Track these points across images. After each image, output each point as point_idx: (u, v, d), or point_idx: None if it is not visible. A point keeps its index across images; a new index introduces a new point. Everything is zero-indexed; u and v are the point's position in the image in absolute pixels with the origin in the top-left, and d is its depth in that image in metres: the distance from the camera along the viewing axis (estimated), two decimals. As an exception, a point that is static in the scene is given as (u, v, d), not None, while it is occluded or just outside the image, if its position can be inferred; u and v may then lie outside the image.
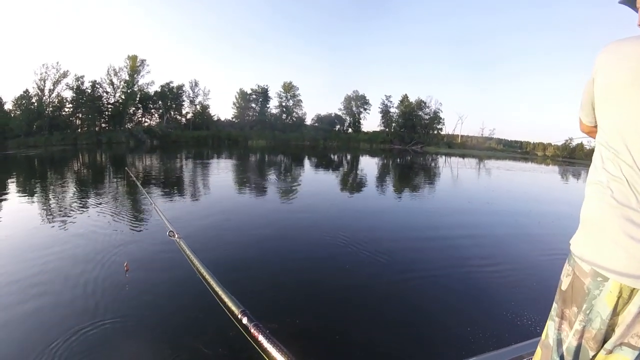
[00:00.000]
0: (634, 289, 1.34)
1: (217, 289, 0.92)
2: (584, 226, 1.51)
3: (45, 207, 10.93)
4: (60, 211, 10.23)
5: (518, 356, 2.40)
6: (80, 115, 49.75)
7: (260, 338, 0.59)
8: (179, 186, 15.44)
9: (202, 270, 1.14)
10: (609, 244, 1.38)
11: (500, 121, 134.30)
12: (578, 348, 1.54)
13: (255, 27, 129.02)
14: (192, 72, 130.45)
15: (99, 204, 11.18)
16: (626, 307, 1.38)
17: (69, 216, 9.53)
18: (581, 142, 69.79)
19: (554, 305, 1.67)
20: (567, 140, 71.77)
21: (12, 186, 14.38)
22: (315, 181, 20.70)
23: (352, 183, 20.22)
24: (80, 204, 11.32)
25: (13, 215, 9.78)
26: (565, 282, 1.59)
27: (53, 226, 8.62)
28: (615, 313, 1.41)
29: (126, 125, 53.16)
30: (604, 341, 1.47)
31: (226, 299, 0.84)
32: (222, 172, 21.96)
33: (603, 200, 1.40)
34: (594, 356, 1.51)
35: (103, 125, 52.15)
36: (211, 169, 23.36)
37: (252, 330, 0.62)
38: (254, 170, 24.52)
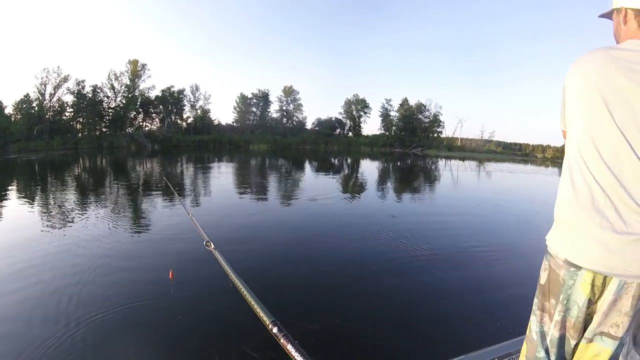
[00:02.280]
0: (606, 277, 1.43)
1: (250, 299, 0.95)
2: (558, 222, 1.61)
3: (76, 214, 11.10)
4: (97, 219, 10.44)
5: (506, 353, 2.50)
6: (81, 120, 49.83)
7: (289, 347, 0.60)
8: (187, 189, 15.68)
9: (236, 280, 1.16)
10: (580, 236, 1.46)
11: (500, 124, 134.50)
12: (561, 339, 1.62)
13: (255, 30, 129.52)
14: (193, 77, 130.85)
15: (137, 212, 11.49)
16: (602, 295, 1.46)
17: (118, 226, 9.59)
18: None
19: (535, 300, 1.75)
20: None
21: (37, 193, 14.58)
22: (322, 186, 20.79)
23: (359, 186, 20.44)
24: (115, 212, 11.53)
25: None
26: (543, 277, 1.68)
27: (99, 234, 8.61)
28: (591, 301, 1.49)
29: (127, 130, 53.21)
30: (585, 330, 1.55)
31: (258, 310, 0.86)
32: (227, 176, 22.09)
33: (574, 197, 1.49)
34: (576, 345, 1.60)
35: (104, 129, 52.13)
36: (214, 172, 23.57)
37: (282, 340, 0.65)
38: (259, 174, 24.65)
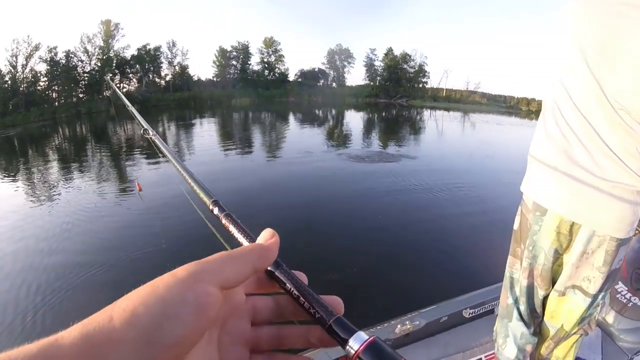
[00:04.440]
0: (573, 224, 1.35)
1: (190, 181, 0.84)
2: (530, 165, 1.54)
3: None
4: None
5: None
6: (56, 88, 47.97)
7: (231, 228, 0.56)
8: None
9: (176, 164, 0.99)
10: (548, 178, 1.40)
11: (485, 75, 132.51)
12: (529, 288, 1.59)
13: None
14: (169, 32, 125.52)
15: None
16: (570, 245, 1.39)
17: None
18: None
19: (510, 244, 1.70)
20: None
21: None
22: (309, 140, 20.81)
23: (342, 137, 20.38)
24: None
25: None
26: (516, 221, 1.64)
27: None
28: (558, 252, 1.44)
29: (104, 93, 51.59)
30: (554, 282, 1.52)
31: (199, 191, 0.78)
32: (210, 134, 21.78)
33: (546, 139, 1.43)
34: (546, 297, 1.58)
35: (81, 95, 50.04)
36: (196, 131, 23.15)
37: (223, 221, 0.59)
38: (243, 131, 24.40)
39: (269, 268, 0.40)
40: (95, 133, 25.06)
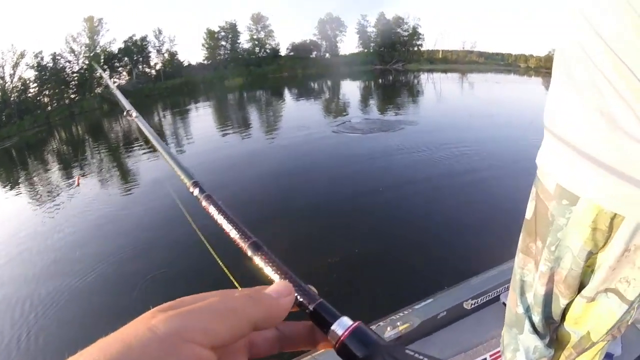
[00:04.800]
0: (615, 216, 0.95)
1: (171, 162, 0.89)
2: (549, 135, 1.12)
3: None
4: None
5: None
6: (47, 93, 47.85)
7: (211, 210, 0.55)
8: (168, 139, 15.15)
9: (157, 145, 1.13)
10: (582, 151, 0.97)
11: (481, 34, 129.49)
12: (548, 296, 1.21)
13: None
14: (153, 21, 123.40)
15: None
16: (608, 242, 1.00)
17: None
18: None
19: (520, 237, 1.32)
20: (550, 52, 70.07)
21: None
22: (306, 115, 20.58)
23: (339, 109, 20.34)
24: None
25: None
26: (529, 209, 1.24)
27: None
28: (592, 252, 1.04)
29: (96, 91, 51.34)
30: (581, 286, 1.14)
31: (179, 172, 0.81)
32: (206, 118, 22.25)
33: (571, 102, 0.99)
34: (568, 305, 1.19)
35: (72, 96, 50.27)
36: (192, 116, 23.05)
37: (203, 203, 0.59)
38: (239, 111, 24.47)
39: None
40: (91, 132, 24.97)
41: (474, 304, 2.28)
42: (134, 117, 1.72)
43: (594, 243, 1.01)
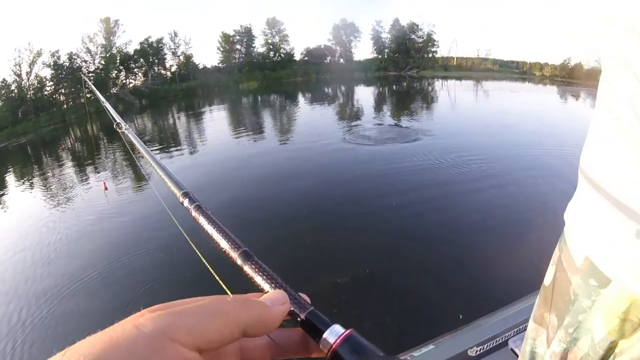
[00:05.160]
0: None
1: (162, 174, 0.90)
2: (586, 190, 0.88)
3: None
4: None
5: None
6: (63, 91, 48.42)
7: (201, 220, 0.54)
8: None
9: (148, 157, 1.14)
10: (625, 220, 0.76)
11: (496, 41, 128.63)
12: None
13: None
14: (169, 23, 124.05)
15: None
16: (636, 331, 0.82)
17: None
18: (580, 62, 68.23)
19: (536, 301, 1.17)
20: (565, 60, 69.84)
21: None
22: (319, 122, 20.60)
23: (353, 115, 20.34)
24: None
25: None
26: (549, 274, 1.06)
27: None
28: (616, 340, 0.87)
29: (112, 91, 51.69)
30: None
31: (170, 184, 0.82)
32: (221, 122, 22.57)
33: (630, 144, 0.75)
34: None
35: (88, 95, 50.63)
36: (206, 120, 23.05)
37: (193, 213, 0.59)
38: (253, 116, 24.61)
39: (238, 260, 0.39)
40: (106, 131, 25.23)
41: (480, 351, 2.10)
42: (124, 129, 1.84)
43: (620, 334, 0.85)
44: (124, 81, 56.10)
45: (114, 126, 1.63)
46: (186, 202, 0.63)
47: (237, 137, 14.34)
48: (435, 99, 27.77)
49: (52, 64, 46.70)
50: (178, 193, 0.70)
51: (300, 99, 31.77)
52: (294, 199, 7.40)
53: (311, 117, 19.54)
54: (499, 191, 7.70)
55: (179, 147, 13.18)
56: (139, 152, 1.31)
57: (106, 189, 8.71)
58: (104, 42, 51.27)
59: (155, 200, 6.89)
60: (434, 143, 11.54)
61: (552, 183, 7.92)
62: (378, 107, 22.82)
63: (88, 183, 10.38)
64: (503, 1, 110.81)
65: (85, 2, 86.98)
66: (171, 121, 24.07)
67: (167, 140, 14.58)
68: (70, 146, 16.56)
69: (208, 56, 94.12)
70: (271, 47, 66.34)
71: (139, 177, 9.68)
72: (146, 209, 7.40)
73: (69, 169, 12.18)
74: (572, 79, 66.15)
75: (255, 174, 9.10)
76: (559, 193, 7.15)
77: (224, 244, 0.46)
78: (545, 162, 9.77)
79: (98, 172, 11.18)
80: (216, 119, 21.97)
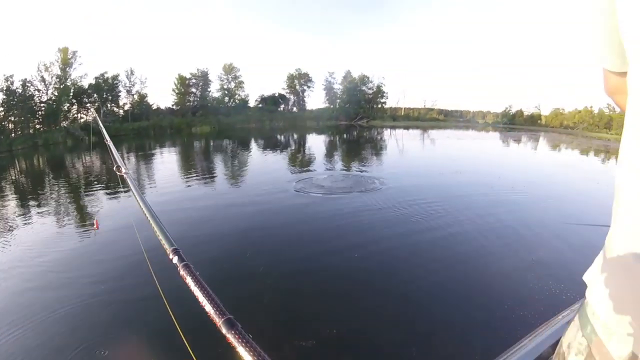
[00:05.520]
0: None
1: (155, 227, 0.91)
2: (624, 255, 0.69)
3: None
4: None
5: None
6: (12, 119, 46.73)
7: (188, 280, 0.55)
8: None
9: (143, 208, 1.14)
10: None
11: (441, 92, 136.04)
12: None
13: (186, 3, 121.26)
14: (126, 60, 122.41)
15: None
16: None
17: None
18: (520, 109, 76.65)
19: None
20: (506, 108, 78.22)
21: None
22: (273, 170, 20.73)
23: (305, 163, 20.48)
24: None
25: None
26: (563, 346, 0.84)
27: None
28: None
29: (62, 124, 50.26)
30: None
31: (161, 237, 0.83)
32: (172, 165, 21.76)
33: None
34: None
35: (37, 126, 48.67)
36: (157, 161, 22.83)
37: (181, 272, 0.59)
38: (204, 160, 24.32)
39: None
40: (54, 166, 24.32)
41: None
42: (123, 172, 1.86)
43: None
44: (75, 115, 54.82)
45: (114, 168, 1.65)
46: (175, 260, 0.64)
47: (187, 183, 14.19)
48: (384, 147, 29.31)
49: (4, 88, 44.43)
50: (169, 248, 0.71)
51: (253, 145, 31.75)
52: (248, 252, 6.99)
53: (263, 164, 19.87)
54: (464, 236, 7.95)
55: (121, 189, 12.73)
56: (137, 201, 1.30)
57: (97, 227, 8.27)
58: (59, 72, 49.64)
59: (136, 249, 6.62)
60: (387, 191, 11.89)
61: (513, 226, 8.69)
62: (329, 155, 23.65)
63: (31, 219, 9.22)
64: (449, 53, 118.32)
65: (48, 27, 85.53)
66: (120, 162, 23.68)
67: (113, 181, 14.24)
68: (15, 178, 15.72)
69: (162, 97, 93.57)
70: (226, 92, 67.31)
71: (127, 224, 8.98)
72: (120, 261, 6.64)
73: (9, 201, 11.20)
74: (513, 124, 72.15)
75: (200, 225, 8.70)
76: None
77: (208, 308, 0.46)
78: (502, 202, 10.90)
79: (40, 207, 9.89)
80: (167, 162, 21.46)
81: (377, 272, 6.23)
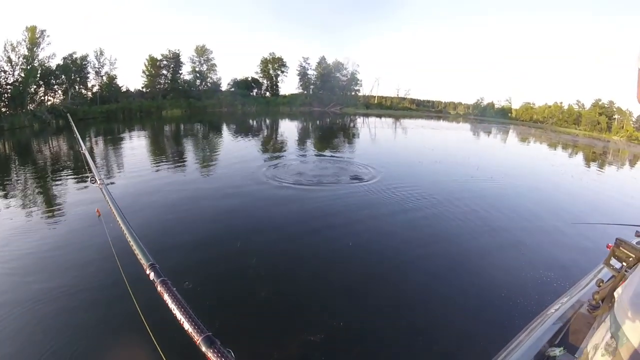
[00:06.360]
0: None
1: (131, 240, 0.89)
2: None
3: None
4: None
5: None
6: (-25, 100, 44.85)
7: (166, 297, 0.56)
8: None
9: (119, 220, 1.09)
10: None
11: (414, 82, 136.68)
12: None
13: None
14: (95, 40, 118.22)
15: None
16: None
17: None
18: (492, 102, 79.50)
19: None
20: (478, 100, 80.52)
21: None
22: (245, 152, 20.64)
23: (278, 148, 20.62)
24: None
25: None
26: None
27: None
28: None
29: (28, 107, 48.61)
30: None
31: (137, 252, 0.80)
32: (141, 151, 21.69)
33: None
34: None
35: (3, 109, 47.13)
36: (125, 147, 22.56)
37: (159, 288, 0.61)
38: (175, 145, 24.06)
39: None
40: (20, 151, 23.62)
41: None
42: (99, 184, 1.82)
43: None
44: (42, 98, 53.10)
45: (89, 180, 1.59)
46: (152, 275, 0.63)
47: (157, 170, 13.75)
48: (356, 135, 29.90)
49: (-31, 69, 42.55)
50: (145, 264, 0.70)
51: (225, 130, 31.59)
52: (238, 244, 6.76)
53: (235, 150, 19.48)
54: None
55: (87, 176, 11.55)
56: (113, 213, 1.26)
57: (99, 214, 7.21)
58: (26, 52, 48.28)
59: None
60: (377, 183, 11.92)
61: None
62: (302, 141, 23.86)
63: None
64: (424, 44, 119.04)
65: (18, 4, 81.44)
66: (88, 145, 23.13)
67: (80, 168, 13.62)
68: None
69: (132, 79, 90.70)
70: (198, 75, 65.82)
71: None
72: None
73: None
74: (484, 116, 73.53)
75: (177, 218, 8.26)
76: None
77: (187, 326, 0.45)
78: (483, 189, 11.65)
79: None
80: (136, 147, 20.89)
81: (376, 264, 6.41)
